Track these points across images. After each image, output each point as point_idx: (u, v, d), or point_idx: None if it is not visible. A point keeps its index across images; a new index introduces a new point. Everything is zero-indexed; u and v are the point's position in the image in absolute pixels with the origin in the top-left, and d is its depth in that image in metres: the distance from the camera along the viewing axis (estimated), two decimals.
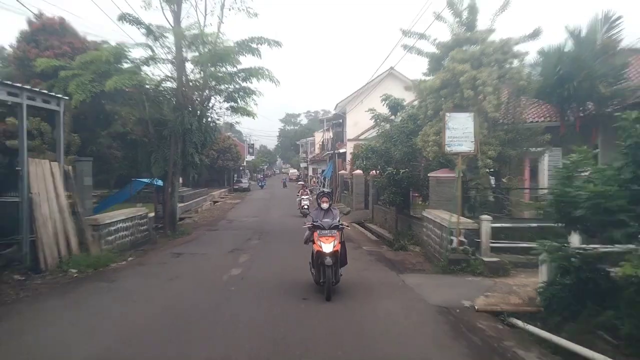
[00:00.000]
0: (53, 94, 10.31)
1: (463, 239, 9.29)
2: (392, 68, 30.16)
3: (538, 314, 6.27)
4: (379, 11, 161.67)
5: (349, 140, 31.67)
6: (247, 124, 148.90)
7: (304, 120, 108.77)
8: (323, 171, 44.57)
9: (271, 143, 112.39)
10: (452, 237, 9.33)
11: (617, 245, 5.07)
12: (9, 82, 8.99)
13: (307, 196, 21.70)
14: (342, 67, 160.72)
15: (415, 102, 14.23)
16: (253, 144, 71.66)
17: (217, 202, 34.17)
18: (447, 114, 9.37)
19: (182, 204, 22.14)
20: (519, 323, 6.04)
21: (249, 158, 69.03)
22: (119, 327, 5.91)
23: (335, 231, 7.54)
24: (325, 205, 8.03)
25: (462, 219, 9.52)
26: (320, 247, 7.35)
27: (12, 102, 9.03)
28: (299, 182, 62.03)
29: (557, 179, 5.79)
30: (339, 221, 7.79)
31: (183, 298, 7.47)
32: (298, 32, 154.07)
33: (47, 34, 15.48)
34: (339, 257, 7.52)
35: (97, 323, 6.08)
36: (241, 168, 57.62)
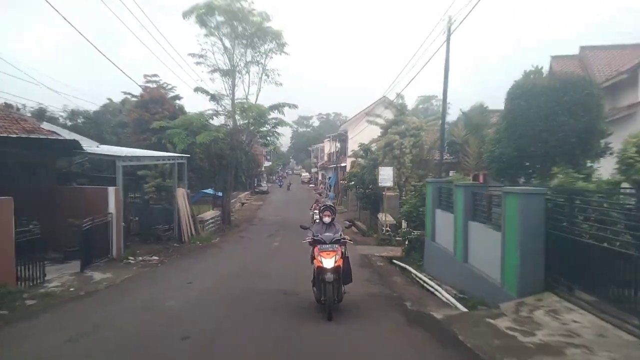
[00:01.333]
0: (182, 155, 19.90)
1: (388, 229, 18.67)
2: (384, 96, 39.32)
3: (403, 258, 15.67)
4: (388, 14, 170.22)
5: (348, 156, 41.00)
6: None
7: (316, 123, 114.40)
8: (330, 178, 54.01)
9: (284, 143, 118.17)
10: (383, 227, 18.72)
11: (414, 230, 14.54)
12: (174, 154, 18.62)
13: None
14: (350, 68, 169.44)
15: (374, 145, 23.66)
16: (270, 152, 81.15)
17: (244, 203, 42.14)
18: (380, 167, 18.89)
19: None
20: (395, 260, 15.45)
21: (266, 164, 78.48)
22: (236, 262, 15.35)
23: (336, 245, 7.23)
24: (327, 219, 7.77)
25: (388, 218, 18.91)
26: (321, 262, 7.02)
27: (171, 163, 18.63)
28: (311, 185, 70.03)
29: (405, 203, 15.25)
30: (340, 235, 7.48)
31: (258, 252, 17.10)
32: (307, 34, 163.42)
33: (153, 103, 25.18)
34: (342, 274, 7.15)
35: (225, 260, 15.60)
36: (260, 173, 66.94)
